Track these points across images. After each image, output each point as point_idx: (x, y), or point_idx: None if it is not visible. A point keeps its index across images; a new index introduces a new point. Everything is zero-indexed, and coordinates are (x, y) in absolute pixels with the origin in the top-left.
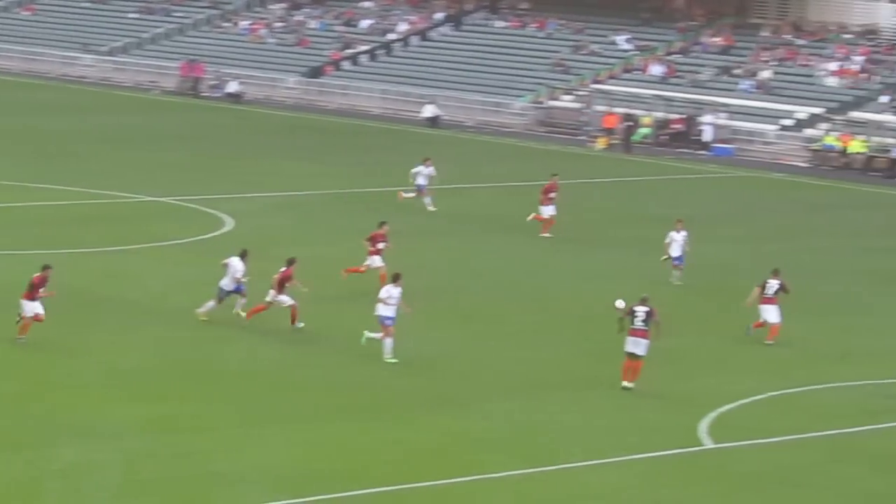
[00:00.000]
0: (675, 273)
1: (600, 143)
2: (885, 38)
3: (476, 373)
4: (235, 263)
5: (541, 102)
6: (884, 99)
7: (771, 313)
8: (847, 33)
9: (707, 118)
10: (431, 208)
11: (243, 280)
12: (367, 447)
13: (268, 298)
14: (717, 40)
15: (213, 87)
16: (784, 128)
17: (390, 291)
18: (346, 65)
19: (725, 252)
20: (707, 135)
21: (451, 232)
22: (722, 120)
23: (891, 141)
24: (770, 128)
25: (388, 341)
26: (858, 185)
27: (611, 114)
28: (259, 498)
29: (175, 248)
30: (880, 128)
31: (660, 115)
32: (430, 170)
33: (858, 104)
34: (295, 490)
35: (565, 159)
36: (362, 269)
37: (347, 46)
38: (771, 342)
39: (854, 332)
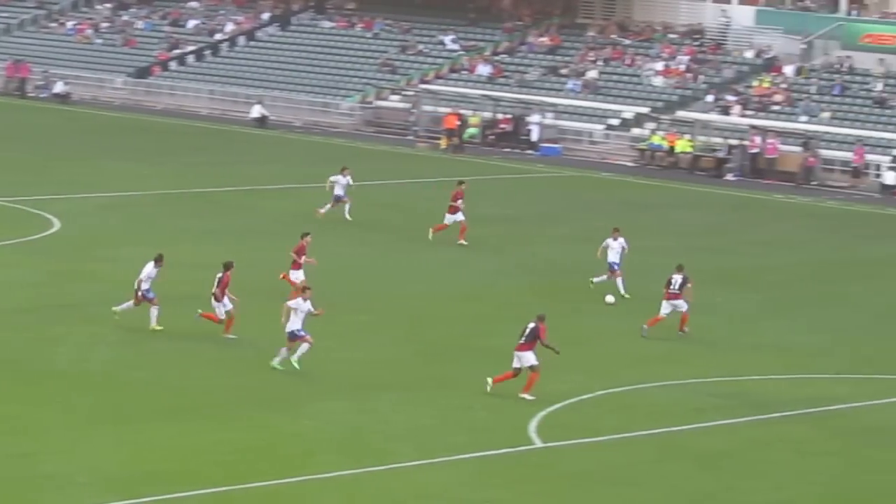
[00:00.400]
0: (604, 277)
1: (442, 144)
2: (710, 37)
3: (306, 373)
4: (148, 268)
5: (368, 102)
6: (709, 98)
7: (678, 307)
8: (672, 33)
9: (534, 118)
10: (348, 217)
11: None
12: (198, 447)
13: (228, 309)
14: (544, 40)
15: (40, 87)
16: (611, 127)
17: (299, 304)
18: (173, 65)
19: (554, 251)
20: (534, 134)
21: (279, 232)
22: (549, 119)
23: (717, 140)
24: (597, 127)
25: (304, 346)
26: (685, 185)
27: (452, 114)
28: (90, 499)
29: (1, 249)
30: (706, 127)
31: (487, 114)
32: (347, 179)
33: (684, 104)
34: (126, 491)
35: (393, 159)
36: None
37: (174, 47)
38: (684, 332)
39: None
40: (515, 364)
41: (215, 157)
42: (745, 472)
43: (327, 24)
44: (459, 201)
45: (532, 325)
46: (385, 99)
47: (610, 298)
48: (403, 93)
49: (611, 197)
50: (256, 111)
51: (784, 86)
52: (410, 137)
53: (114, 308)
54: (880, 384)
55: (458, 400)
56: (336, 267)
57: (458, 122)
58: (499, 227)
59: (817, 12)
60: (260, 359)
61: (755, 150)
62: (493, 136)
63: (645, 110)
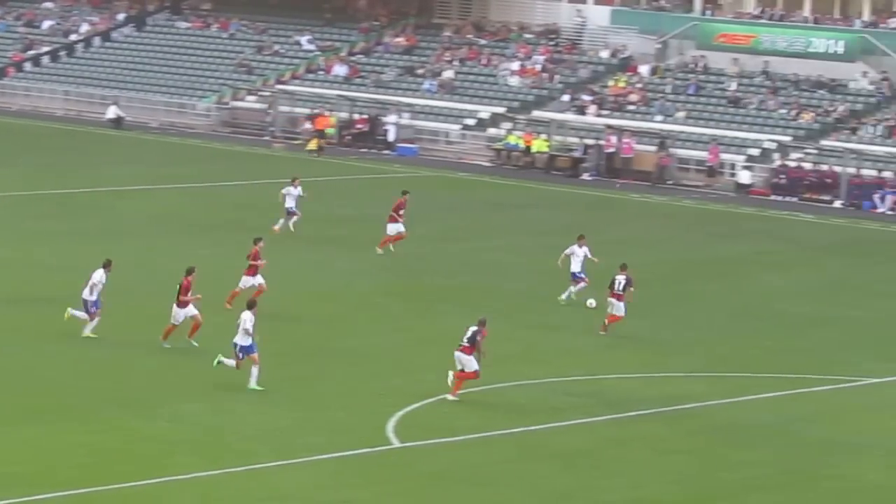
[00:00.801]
0: (572, 288)
1: (311, 145)
2: (566, 37)
3: (163, 374)
4: (98, 275)
5: (225, 103)
6: (565, 98)
7: (617, 308)
8: (528, 33)
9: (391, 118)
10: (291, 229)
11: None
12: (54, 449)
13: (193, 314)
14: (400, 41)
15: None
16: (467, 127)
17: (245, 317)
18: (28, 66)
19: (411, 251)
20: (391, 135)
21: (136, 233)
22: (405, 120)
23: (573, 140)
24: (453, 127)
25: (254, 369)
26: (541, 184)
27: (321, 115)
28: None
29: None
30: (562, 127)
31: (344, 115)
32: (298, 190)
33: (540, 103)
34: None
35: (250, 160)
36: (237, 290)
37: (29, 48)
38: (604, 333)
39: (538, 330)
40: (458, 366)
41: (71, 158)
42: (603, 471)
43: (183, 24)
44: (401, 211)
45: (474, 328)
46: (241, 99)
47: (591, 302)
48: (260, 93)
49: (468, 197)
50: (112, 112)
51: (639, 85)
52: (267, 138)
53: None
54: (734, 382)
55: (315, 401)
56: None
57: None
58: (356, 228)
59: (672, 12)
60: (117, 360)
61: (611, 150)
62: (349, 137)
63: (501, 110)
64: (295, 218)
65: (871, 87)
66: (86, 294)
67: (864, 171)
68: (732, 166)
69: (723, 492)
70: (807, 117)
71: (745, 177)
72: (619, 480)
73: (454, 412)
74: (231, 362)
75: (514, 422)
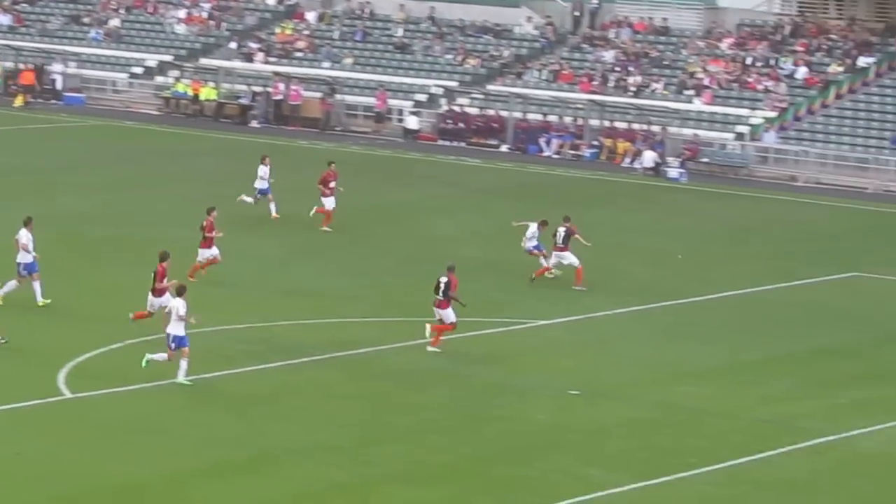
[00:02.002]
0: (546, 264)
1: (18, 101)
2: None
3: None
4: (23, 234)
5: None
6: (232, 45)
7: (567, 258)
8: None
9: (57, 67)
10: (248, 199)
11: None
12: None
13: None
14: None
15: None
16: (134, 76)
17: (177, 304)
18: None
19: (80, 202)
20: (58, 84)
21: None
22: (72, 69)
23: (241, 87)
24: (120, 76)
25: (183, 363)
26: (210, 132)
27: (28, 70)
28: None
29: None
30: (230, 74)
31: (9, 64)
32: (266, 169)
33: (208, 51)
34: None
35: None
36: (198, 265)
37: None
38: (580, 287)
39: (208, 280)
40: (437, 318)
41: None
42: (277, 417)
43: None
44: (332, 183)
45: (444, 278)
46: None
47: (554, 271)
48: None
49: (136, 145)
50: None
51: (307, 32)
52: None
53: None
54: (406, 327)
55: None
56: None
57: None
58: (22, 178)
59: None
60: None
61: (279, 97)
62: (15, 87)
63: (168, 58)
64: (271, 205)
65: (536, 32)
66: (21, 258)
67: (530, 116)
68: (400, 112)
69: (394, 435)
70: (472, 62)
71: (412, 122)
72: (293, 426)
73: (125, 362)
74: (162, 356)
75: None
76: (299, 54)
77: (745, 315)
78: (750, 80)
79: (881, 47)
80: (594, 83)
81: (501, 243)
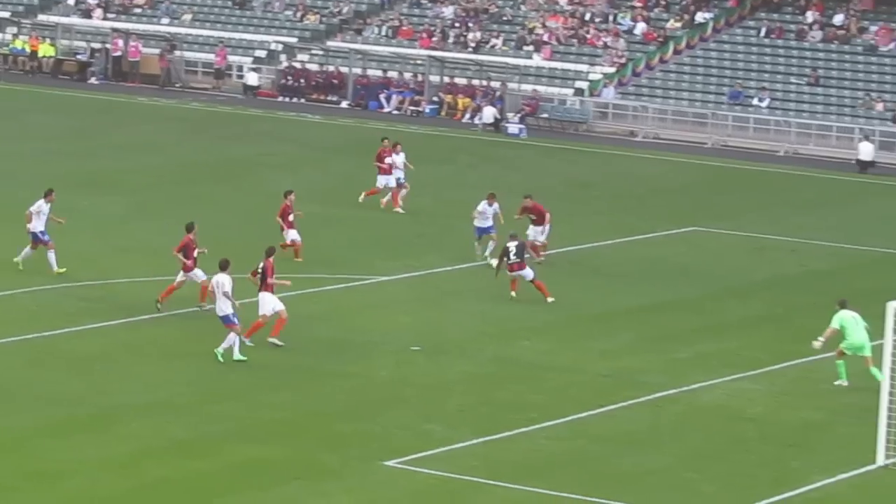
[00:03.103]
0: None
1: None
2: None
3: None
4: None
5: None
6: (70, 1)
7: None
8: None
9: None
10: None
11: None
12: None
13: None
14: None
15: None
16: None
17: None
18: None
19: None
20: None
21: None
22: None
23: (79, 44)
24: None
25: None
26: (49, 89)
27: None
28: None
29: None
30: (68, 31)
31: None
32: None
33: (46, 7)
34: None
35: None
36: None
37: None
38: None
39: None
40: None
41: None
42: (117, 375)
43: None
44: (388, 160)
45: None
46: None
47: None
48: None
49: None
50: None
51: None
52: None
53: (15, 259)
54: (247, 284)
55: None
56: None
57: None
58: None
59: None
60: None
61: (118, 54)
62: None
63: (6, 15)
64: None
65: None
66: (34, 226)
67: (370, 72)
68: (240, 68)
69: (235, 393)
70: (312, 18)
71: (252, 79)
72: (133, 384)
73: None
74: (230, 340)
75: (25, 328)
76: (138, 10)
77: (584, 270)
78: (589, 35)
79: (718, 3)
80: (434, 39)
81: (341, 200)
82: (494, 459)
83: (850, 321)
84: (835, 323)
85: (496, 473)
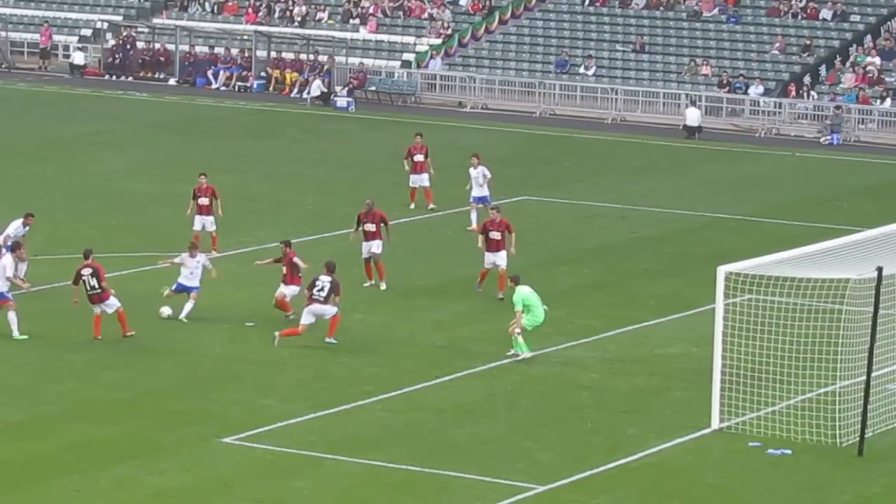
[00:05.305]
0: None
1: None
2: None
3: None
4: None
5: None
6: None
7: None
8: None
9: None
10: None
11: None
12: None
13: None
14: None
15: None
16: None
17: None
18: None
19: None
20: None
21: None
22: None
23: None
24: None
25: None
26: None
27: None
28: None
29: None
30: None
31: None
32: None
33: None
34: None
35: None
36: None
37: None
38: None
39: None
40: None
41: None
42: None
43: None
44: (416, 157)
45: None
46: None
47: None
48: None
49: None
50: None
51: None
52: None
53: None
54: (75, 265)
55: None
56: None
57: None
58: None
59: None
60: None
61: None
62: None
63: None
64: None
65: None
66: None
67: (197, 49)
68: (66, 48)
69: (70, 373)
70: None
71: (78, 58)
72: None
73: None
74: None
75: None
76: None
77: (416, 241)
78: (414, 7)
79: None
80: (259, 14)
81: (170, 177)
82: (331, 433)
83: (530, 296)
84: (518, 305)
85: (333, 447)
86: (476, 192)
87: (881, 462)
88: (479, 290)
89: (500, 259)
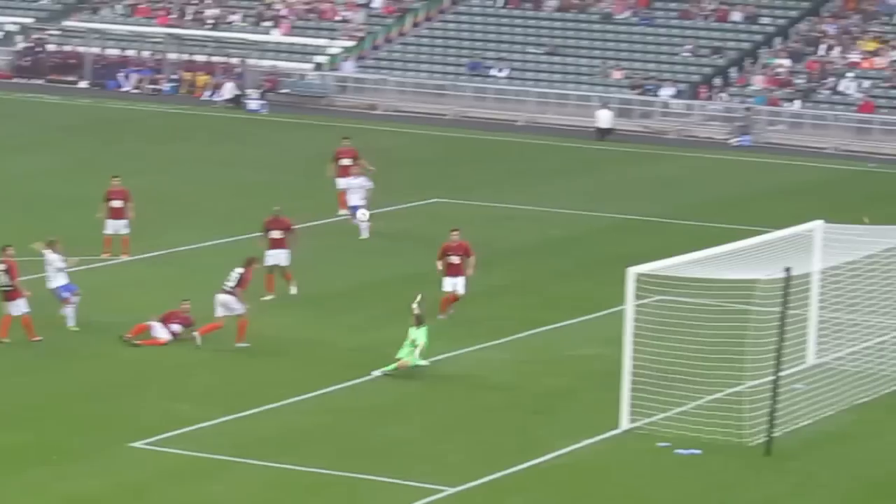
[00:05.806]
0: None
1: None
2: None
3: None
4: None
5: None
6: None
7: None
8: None
9: None
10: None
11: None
12: None
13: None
14: None
15: None
16: None
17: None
18: None
19: None
20: None
21: None
22: None
23: None
24: None
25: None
26: None
27: None
28: None
29: None
30: None
31: None
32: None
33: None
34: None
35: None
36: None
37: None
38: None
39: None
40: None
41: None
42: None
43: None
44: (345, 161)
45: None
46: None
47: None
48: None
49: None
50: None
51: None
52: None
53: None
54: None
55: None
56: None
57: None
58: None
59: None
60: None
61: None
62: None
63: None
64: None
65: None
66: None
67: (108, 51)
68: None
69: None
70: None
71: None
72: None
73: None
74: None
75: None
76: None
77: (327, 245)
78: (326, 9)
79: None
80: (171, 16)
81: (81, 180)
82: (243, 437)
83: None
84: (421, 338)
85: (245, 451)
86: (355, 201)
87: (789, 461)
88: (443, 317)
89: (460, 286)
